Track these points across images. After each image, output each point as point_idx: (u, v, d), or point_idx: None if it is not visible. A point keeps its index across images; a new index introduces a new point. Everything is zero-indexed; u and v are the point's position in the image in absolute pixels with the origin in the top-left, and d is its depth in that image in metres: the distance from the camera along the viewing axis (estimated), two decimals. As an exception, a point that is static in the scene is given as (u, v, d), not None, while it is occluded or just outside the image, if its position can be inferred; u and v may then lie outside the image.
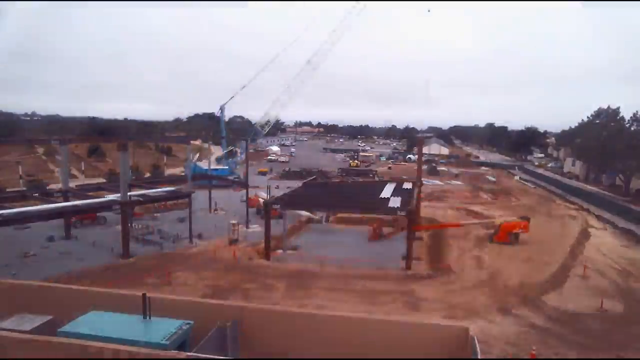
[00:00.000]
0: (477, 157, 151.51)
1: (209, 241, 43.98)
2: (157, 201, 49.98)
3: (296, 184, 54.56)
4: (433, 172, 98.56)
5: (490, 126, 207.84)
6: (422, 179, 55.13)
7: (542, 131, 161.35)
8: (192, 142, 79.38)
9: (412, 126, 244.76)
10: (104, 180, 64.94)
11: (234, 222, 44.65)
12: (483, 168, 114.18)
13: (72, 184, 58.58)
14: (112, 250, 39.67)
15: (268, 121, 77.63)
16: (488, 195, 73.43)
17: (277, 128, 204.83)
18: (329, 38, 66.52)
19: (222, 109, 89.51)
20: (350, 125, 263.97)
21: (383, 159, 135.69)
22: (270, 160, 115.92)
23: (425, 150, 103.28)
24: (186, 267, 36.54)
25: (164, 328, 10.59)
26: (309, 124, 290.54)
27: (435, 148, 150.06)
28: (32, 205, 38.13)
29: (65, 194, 43.04)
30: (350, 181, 56.76)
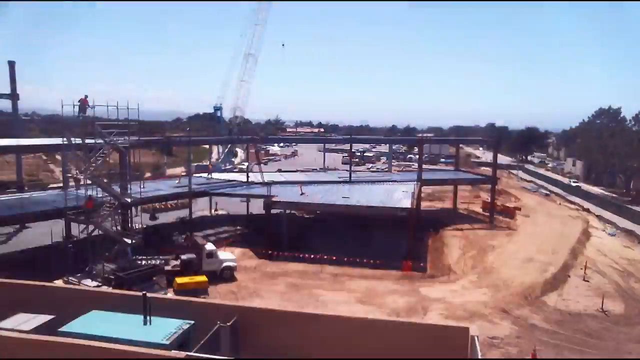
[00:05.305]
0: (478, 158, 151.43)
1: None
2: (159, 201, 49.95)
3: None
4: None
5: (490, 126, 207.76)
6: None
7: (542, 131, 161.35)
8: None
9: (412, 126, 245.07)
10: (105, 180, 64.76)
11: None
12: (483, 168, 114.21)
13: (72, 184, 58.56)
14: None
15: (236, 116, 79.06)
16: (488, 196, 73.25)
17: (277, 128, 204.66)
18: (255, 32, 68.95)
19: (217, 109, 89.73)
20: (351, 125, 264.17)
21: (383, 158, 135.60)
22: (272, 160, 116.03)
23: (425, 150, 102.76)
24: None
25: (164, 328, 10.58)
26: (309, 123, 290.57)
27: (435, 148, 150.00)
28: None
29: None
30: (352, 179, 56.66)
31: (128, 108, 33.64)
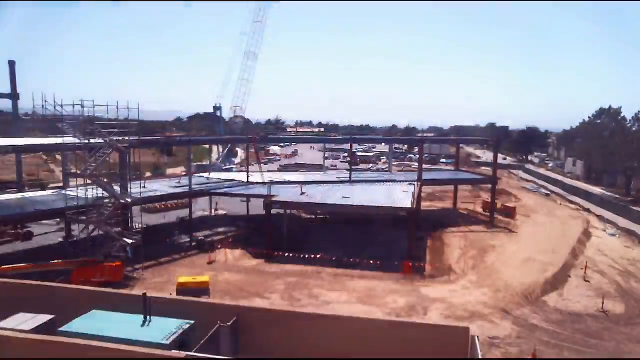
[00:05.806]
0: (478, 158, 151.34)
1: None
2: (159, 201, 49.90)
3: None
4: None
5: (491, 126, 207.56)
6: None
7: (543, 131, 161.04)
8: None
9: (413, 126, 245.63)
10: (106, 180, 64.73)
11: None
12: (483, 168, 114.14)
13: (73, 184, 58.51)
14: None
15: (236, 116, 78.60)
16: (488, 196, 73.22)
17: (277, 128, 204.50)
18: (255, 29, 68.29)
19: (217, 108, 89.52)
20: (351, 125, 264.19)
21: (384, 159, 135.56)
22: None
23: (425, 150, 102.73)
24: (184, 267, 36.65)
25: (164, 328, 10.58)
26: (310, 123, 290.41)
27: (435, 148, 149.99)
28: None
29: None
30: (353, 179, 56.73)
31: (128, 108, 33.63)
